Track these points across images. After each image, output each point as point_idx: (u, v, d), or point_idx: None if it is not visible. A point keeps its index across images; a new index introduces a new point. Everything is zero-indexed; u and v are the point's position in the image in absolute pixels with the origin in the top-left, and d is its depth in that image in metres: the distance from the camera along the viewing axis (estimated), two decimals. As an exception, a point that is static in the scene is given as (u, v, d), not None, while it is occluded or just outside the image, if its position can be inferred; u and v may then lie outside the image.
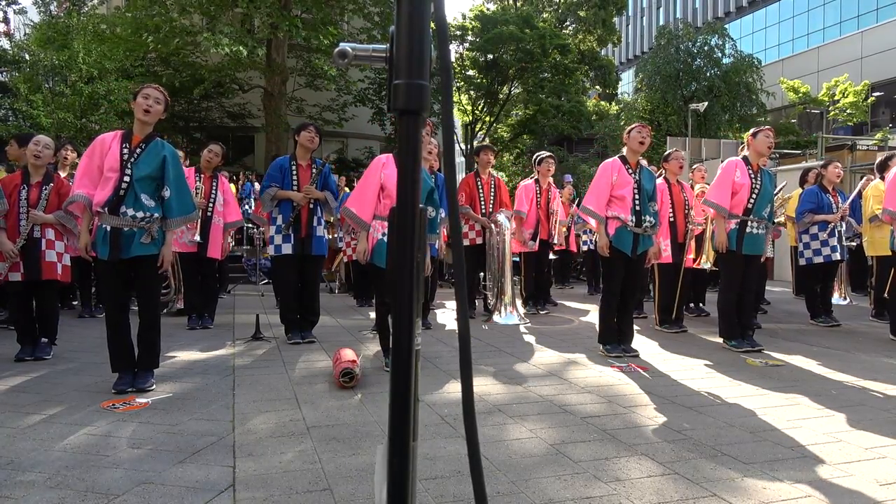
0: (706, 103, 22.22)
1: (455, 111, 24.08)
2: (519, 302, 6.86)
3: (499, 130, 27.00)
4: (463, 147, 24.59)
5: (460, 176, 9.23)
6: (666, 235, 5.84)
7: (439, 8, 0.90)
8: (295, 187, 5.05)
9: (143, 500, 2.18)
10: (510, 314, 6.35)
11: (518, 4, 27.56)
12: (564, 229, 8.17)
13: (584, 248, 10.06)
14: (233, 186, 9.87)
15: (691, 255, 6.13)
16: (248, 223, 9.23)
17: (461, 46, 23.93)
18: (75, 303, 7.04)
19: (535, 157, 7.47)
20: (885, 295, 5.87)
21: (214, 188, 5.94)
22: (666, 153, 6.27)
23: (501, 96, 24.82)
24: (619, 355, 4.64)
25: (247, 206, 10.49)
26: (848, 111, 23.29)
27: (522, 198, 7.01)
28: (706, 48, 25.79)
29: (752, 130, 5.16)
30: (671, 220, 5.92)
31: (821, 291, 6.52)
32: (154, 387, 3.68)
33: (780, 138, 24.17)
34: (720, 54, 25.92)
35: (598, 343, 4.81)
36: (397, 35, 0.89)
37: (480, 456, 0.95)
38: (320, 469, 2.47)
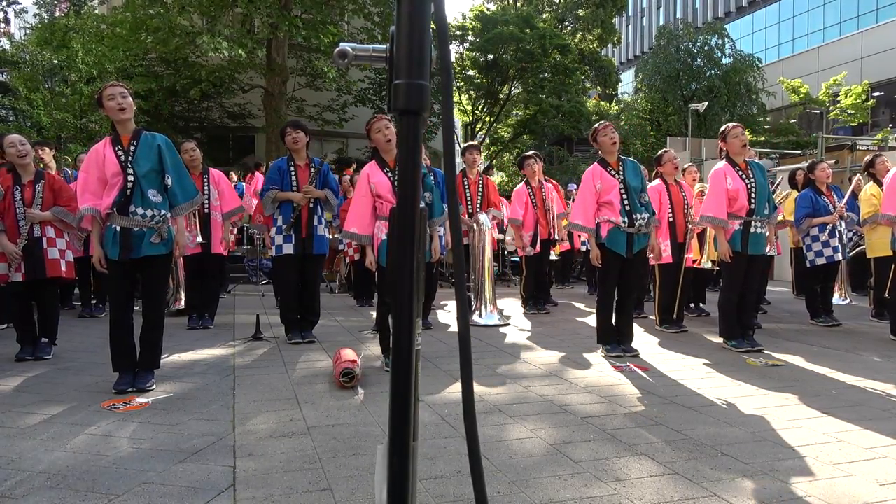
0: (706, 103, 22.22)
1: (455, 111, 24.07)
2: (504, 303, 6.85)
3: (499, 130, 27.01)
4: (461, 147, 24.54)
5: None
6: (665, 236, 5.84)
7: (439, 8, 0.90)
8: (294, 188, 5.05)
9: (143, 500, 2.18)
10: (490, 314, 6.33)
11: (518, 4, 27.57)
12: (564, 222, 8.13)
13: (584, 248, 10.05)
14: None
15: (692, 255, 6.13)
16: (247, 223, 9.23)
17: (461, 46, 23.93)
18: (76, 303, 7.04)
19: (518, 159, 7.44)
20: (886, 295, 5.87)
21: (206, 185, 5.89)
22: (657, 155, 6.25)
23: (501, 96, 24.82)
24: (618, 355, 4.64)
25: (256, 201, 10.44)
26: (848, 111, 23.27)
27: (516, 205, 7.00)
28: (706, 48, 25.79)
29: (720, 132, 5.12)
30: (670, 220, 5.91)
31: (821, 291, 6.52)
32: (154, 387, 3.68)
33: (780, 138, 24.19)
34: (720, 54, 25.93)
35: (598, 344, 4.81)
36: (397, 35, 0.89)
37: (480, 456, 0.95)
38: (320, 469, 2.47)
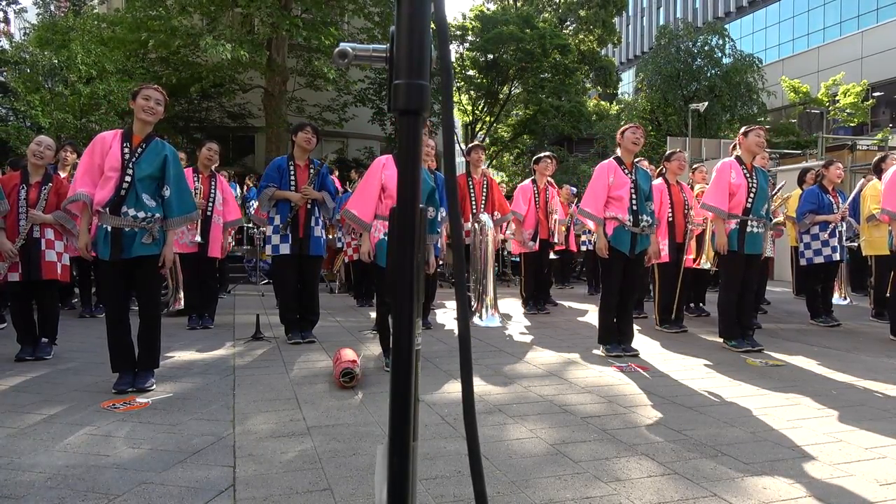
0: (706, 103, 22.23)
1: (455, 111, 24.05)
2: (504, 303, 6.83)
3: (499, 130, 27.00)
4: (463, 147, 24.55)
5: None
6: (664, 235, 5.84)
7: (439, 8, 0.90)
8: (293, 187, 5.05)
9: (143, 500, 2.18)
10: (491, 316, 6.32)
11: (518, 4, 27.56)
12: (564, 228, 8.16)
13: (584, 248, 10.07)
14: (238, 191, 9.87)
15: (691, 255, 6.13)
16: (247, 223, 9.23)
17: (461, 46, 23.93)
18: (75, 301, 7.04)
19: (535, 157, 7.50)
20: (888, 294, 5.86)
21: (213, 187, 5.95)
22: (668, 153, 6.27)
23: (501, 96, 24.81)
24: (619, 355, 4.64)
25: (251, 210, 10.47)
26: (848, 111, 23.27)
27: (520, 199, 7.03)
28: (706, 48, 25.79)
29: (742, 129, 5.15)
30: (670, 220, 5.91)
31: (821, 291, 6.52)
32: (154, 387, 3.68)
33: (781, 138, 24.19)
34: (720, 54, 25.92)
35: (599, 343, 4.82)
36: (397, 35, 0.89)
37: (480, 456, 0.95)
38: (320, 469, 2.47)
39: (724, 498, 2.23)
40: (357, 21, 16.61)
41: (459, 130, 26.54)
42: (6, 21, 19.51)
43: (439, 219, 4.50)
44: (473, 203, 6.78)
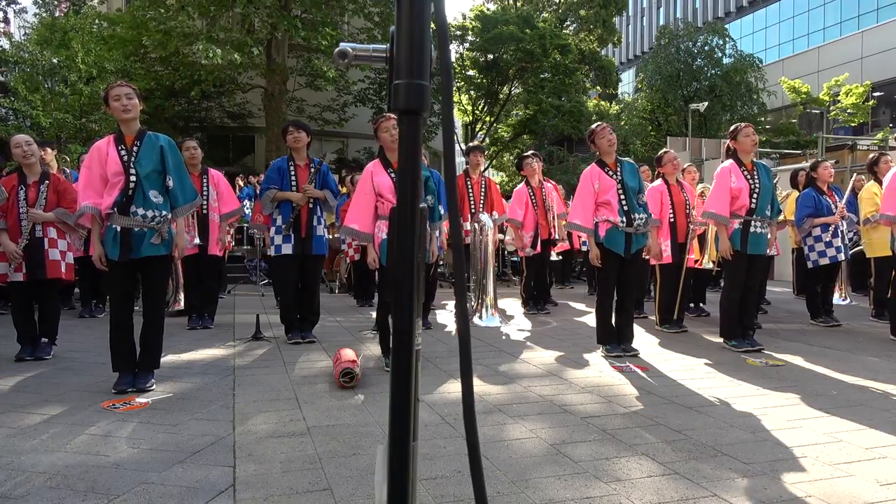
0: (706, 103, 22.24)
1: (455, 111, 24.07)
2: (504, 303, 6.83)
3: (499, 130, 27.02)
4: (463, 147, 24.58)
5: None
6: (666, 236, 5.84)
7: (439, 8, 0.90)
8: (294, 188, 5.05)
9: (143, 500, 2.18)
10: (491, 316, 6.31)
11: (518, 4, 27.57)
12: (564, 222, 8.13)
13: (584, 248, 10.05)
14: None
15: (692, 256, 6.13)
16: (244, 224, 9.22)
17: (461, 46, 23.93)
18: (76, 302, 7.04)
19: (517, 161, 7.42)
20: (888, 296, 5.86)
21: (205, 185, 5.88)
22: (658, 155, 6.24)
23: (502, 96, 24.82)
24: (618, 355, 4.64)
25: (247, 210, 10.46)
26: (849, 111, 23.28)
27: (515, 206, 6.98)
28: (706, 48, 25.80)
29: (730, 131, 5.14)
30: (671, 220, 5.91)
31: (821, 291, 6.52)
32: (154, 387, 3.68)
33: (781, 138, 24.20)
34: (720, 54, 25.94)
35: (598, 343, 4.82)
36: (398, 35, 0.89)
37: (480, 456, 0.95)
38: (320, 469, 2.47)
39: (724, 498, 2.23)
40: (357, 21, 16.61)
41: (459, 130, 26.56)
42: (6, 21, 19.50)
43: (437, 210, 4.48)
44: (472, 203, 6.78)
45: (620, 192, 4.65)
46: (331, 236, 7.65)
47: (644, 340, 5.35)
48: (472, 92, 24.42)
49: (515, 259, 9.66)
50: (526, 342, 5.35)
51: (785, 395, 3.62)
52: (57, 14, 18.18)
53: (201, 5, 13.59)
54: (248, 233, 9.12)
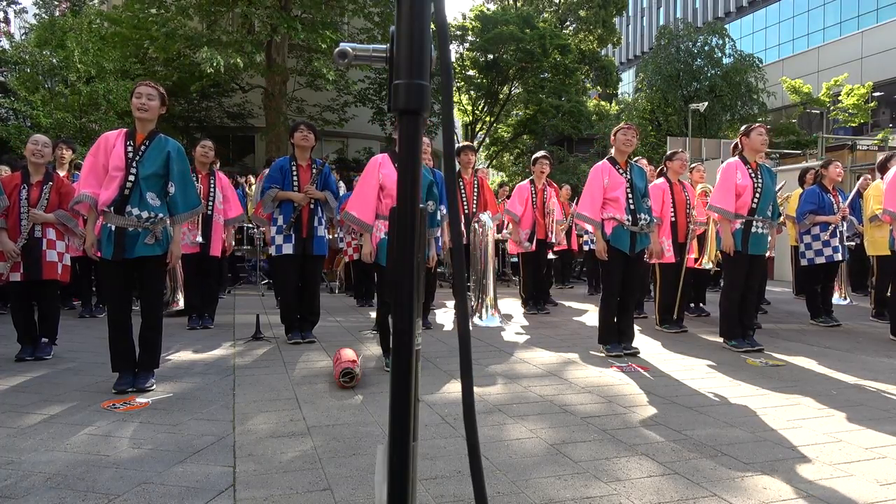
0: (706, 103, 22.24)
1: (455, 111, 24.07)
2: (504, 303, 6.82)
3: (499, 130, 27.01)
4: (456, 148, 24.53)
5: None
6: (668, 235, 5.83)
7: (439, 8, 0.90)
8: (295, 188, 5.05)
9: (143, 500, 2.18)
10: (491, 316, 6.31)
11: (518, 4, 27.57)
12: (563, 228, 8.15)
13: (585, 248, 10.07)
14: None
15: (693, 255, 6.13)
16: (247, 222, 9.22)
17: (461, 46, 23.93)
18: (76, 302, 7.04)
19: (532, 157, 7.50)
20: (888, 294, 5.86)
21: (212, 186, 5.93)
22: (670, 152, 6.26)
23: (502, 96, 24.82)
24: (619, 355, 4.64)
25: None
26: (850, 111, 23.28)
27: (516, 199, 7.04)
28: (706, 48, 25.80)
29: (743, 129, 5.14)
30: (672, 220, 5.91)
31: (821, 291, 6.52)
32: (154, 387, 3.68)
33: (781, 138, 24.19)
34: (720, 54, 25.94)
35: (599, 343, 4.81)
36: (398, 35, 0.89)
37: (480, 456, 0.95)
38: (320, 469, 2.47)
39: (724, 498, 2.23)
40: (357, 21, 16.61)
41: (459, 130, 26.56)
42: (6, 21, 19.51)
43: (438, 216, 4.50)
44: (465, 203, 6.80)
45: (629, 190, 4.66)
46: (330, 236, 7.65)
47: (644, 340, 5.35)
48: (472, 92, 24.41)
49: (514, 259, 9.64)
50: (526, 342, 5.35)
51: (785, 395, 3.62)
52: (57, 14, 18.18)
53: (201, 7, 13.59)
54: (249, 233, 9.12)
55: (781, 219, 6.90)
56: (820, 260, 6.27)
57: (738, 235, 4.90)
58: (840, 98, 23.63)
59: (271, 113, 15.36)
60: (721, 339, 5.11)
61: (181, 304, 6.62)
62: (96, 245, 3.59)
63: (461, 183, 6.82)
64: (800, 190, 7.16)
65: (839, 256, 6.24)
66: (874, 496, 2.25)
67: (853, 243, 7.33)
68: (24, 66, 13.81)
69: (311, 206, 5.08)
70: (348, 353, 3.89)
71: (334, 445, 2.74)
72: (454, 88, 22.26)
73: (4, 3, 18.95)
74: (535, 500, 2.20)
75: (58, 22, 15.06)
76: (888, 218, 5.47)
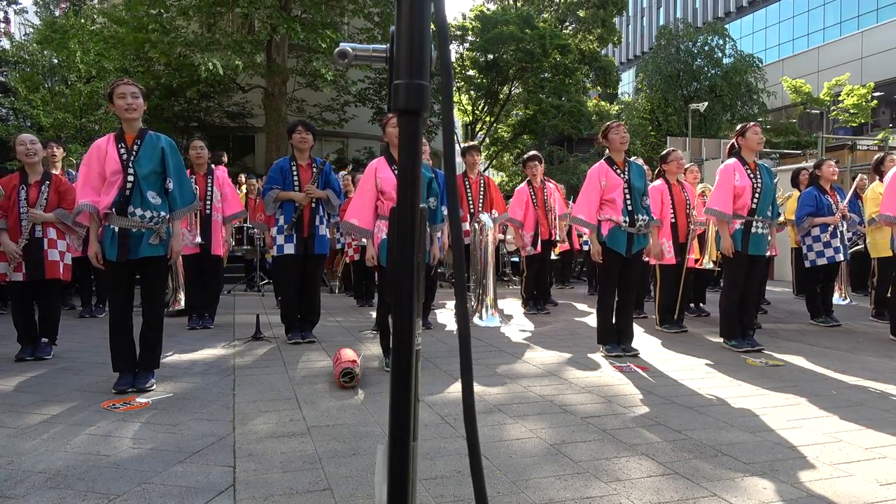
0: (706, 103, 22.25)
1: (455, 111, 24.07)
2: (504, 303, 6.81)
3: (499, 130, 27.02)
4: (461, 148, 24.54)
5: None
6: (668, 236, 5.83)
7: (439, 8, 0.90)
8: (296, 188, 5.05)
9: (143, 500, 2.18)
10: (492, 316, 6.31)
11: (518, 4, 27.58)
12: (565, 223, 8.13)
13: (585, 248, 10.06)
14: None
15: (693, 256, 6.12)
16: (245, 223, 9.22)
17: (461, 46, 23.94)
18: (77, 304, 7.04)
19: (521, 159, 7.46)
20: (889, 295, 5.86)
21: (210, 185, 5.92)
22: (664, 153, 6.24)
23: (502, 96, 24.82)
24: (618, 355, 4.64)
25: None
26: (851, 111, 23.28)
27: (516, 205, 7.00)
28: (706, 48, 25.81)
29: (737, 128, 5.13)
30: (672, 220, 5.90)
31: (821, 291, 6.52)
32: (154, 387, 3.68)
33: (781, 138, 24.20)
34: (720, 54, 25.95)
35: (598, 343, 4.81)
36: (398, 35, 0.89)
37: (480, 456, 0.95)
38: (320, 469, 2.47)
39: (724, 498, 2.23)
40: (357, 21, 16.61)
41: (459, 130, 26.57)
42: (6, 21, 19.50)
43: (439, 212, 4.48)
44: (471, 203, 6.78)
45: (626, 191, 4.65)
46: (330, 236, 7.65)
47: (644, 340, 5.35)
48: (472, 92, 24.42)
49: (515, 259, 9.64)
50: (526, 342, 5.35)
51: (785, 395, 3.62)
52: (57, 13, 18.18)
53: (201, 8, 13.58)
54: (249, 233, 9.12)
55: (781, 219, 6.90)
56: (822, 261, 6.26)
57: (738, 236, 4.90)
58: (840, 98, 23.62)
59: (271, 113, 15.35)
60: (721, 339, 5.11)
61: (182, 303, 6.62)
62: (101, 252, 3.58)
63: (467, 183, 6.81)
64: (797, 193, 7.15)
65: (841, 257, 6.24)
66: (874, 496, 2.25)
67: (860, 246, 7.31)
68: (24, 66, 13.82)
69: (313, 205, 5.08)
70: (348, 353, 3.90)
71: (334, 445, 2.74)
72: (454, 88, 22.27)
73: (4, 3, 18.94)
74: (535, 500, 2.20)
75: (58, 21, 15.06)
76: (886, 223, 5.48)
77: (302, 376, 4.05)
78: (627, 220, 4.62)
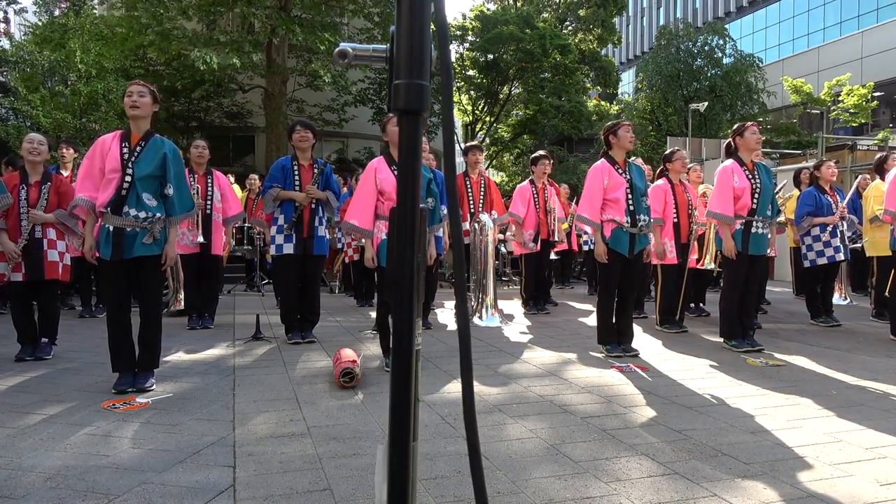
0: (706, 103, 22.24)
1: (455, 111, 24.07)
2: (504, 303, 6.82)
3: (499, 130, 27.01)
4: (463, 147, 24.55)
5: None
6: (670, 236, 5.83)
7: (439, 8, 0.90)
8: (297, 187, 5.05)
9: (143, 500, 2.18)
10: (492, 316, 6.30)
11: (518, 4, 27.56)
12: (565, 226, 8.15)
13: (585, 248, 10.08)
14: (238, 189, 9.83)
15: (694, 256, 6.12)
16: (245, 222, 9.22)
17: (461, 46, 23.94)
18: (77, 304, 7.04)
19: (531, 157, 7.47)
20: (887, 294, 5.86)
21: (210, 185, 5.93)
22: (668, 152, 6.23)
23: (502, 96, 24.82)
24: (619, 355, 4.64)
25: None
26: (851, 111, 23.27)
27: (518, 201, 7.02)
28: (706, 48, 25.81)
29: (735, 128, 5.11)
30: (675, 220, 5.89)
31: (821, 291, 6.51)
32: (154, 387, 3.68)
33: (781, 138, 24.19)
34: (721, 54, 25.94)
35: (598, 344, 4.81)
36: (398, 35, 0.89)
37: (481, 456, 0.95)
38: (320, 469, 2.47)
39: (724, 498, 2.23)
40: (357, 21, 16.60)
41: (459, 130, 26.56)
42: (6, 21, 19.50)
43: (438, 212, 4.48)
44: (472, 203, 6.78)
45: (629, 191, 4.64)
46: (330, 237, 7.65)
47: (644, 340, 5.35)
48: (472, 92, 24.42)
49: (516, 259, 9.62)
50: (526, 342, 5.35)
51: (785, 395, 3.62)
52: (56, 13, 18.17)
53: (201, 7, 13.57)
54: (249, 233, 9.12)
55: (781, 218, 6.89)
56: (822, 261, 6.26)
57: (739, 236, 4.89)
58: (841, 98, 23.62)
59: (271, 113, 15.35)
60: (721, 340, 5.11)
61: (182, 303, 6.62)
62: (95, 247, 3.60)
63: (468, 183, 6.81)
64: (798, 193, 7.15)
65: (841, 256, 6.24)
66: (874, 496, 2.25)
67: (859, 245, 7.31)
68: (24, 66, 13.81)
69: (313, 205, 5.08)
70: (348, 353, 3.90)
71: (334, 445, 2.74)
72: (454, 88, 22.27)
73: (4, 3, 18.94)
74: (535, 500, 2.20)
75: (58, 21, 15.06)
76: (889, 218, 5.47)
77: (302, 376, 4.05)
78: (629, 220, 4.62)
